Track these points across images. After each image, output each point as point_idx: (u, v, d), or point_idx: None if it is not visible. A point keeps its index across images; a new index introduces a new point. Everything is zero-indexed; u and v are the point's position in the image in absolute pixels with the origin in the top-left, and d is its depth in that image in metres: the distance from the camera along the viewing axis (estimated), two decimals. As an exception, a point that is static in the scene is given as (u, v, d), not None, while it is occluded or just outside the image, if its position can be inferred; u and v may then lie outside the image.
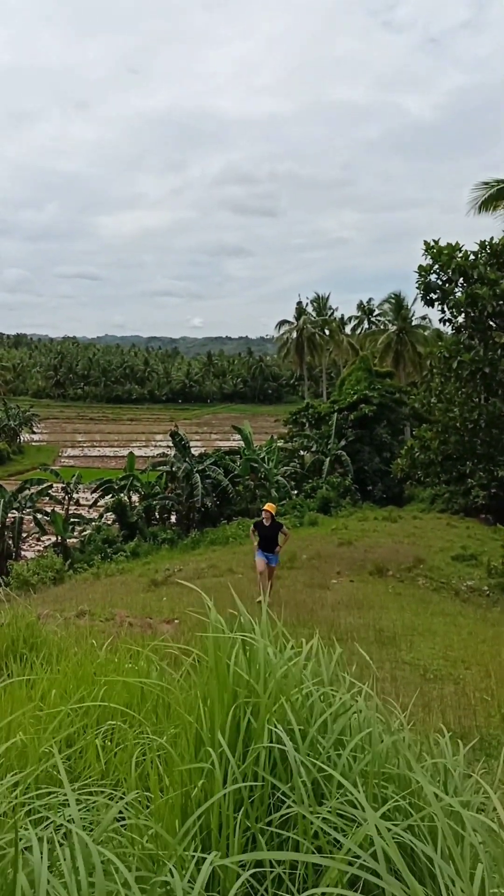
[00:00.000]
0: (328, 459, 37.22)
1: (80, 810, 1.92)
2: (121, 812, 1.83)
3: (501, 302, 14.83)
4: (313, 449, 39.36)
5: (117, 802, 1.77)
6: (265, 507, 12.55)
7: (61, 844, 1.65)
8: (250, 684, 2.11)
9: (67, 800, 1.89)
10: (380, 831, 1.52)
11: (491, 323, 15.65)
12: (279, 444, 40.58)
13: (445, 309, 15.74)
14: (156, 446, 75.89)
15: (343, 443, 37.77)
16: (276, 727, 1.96)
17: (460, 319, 15.86)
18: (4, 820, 1.77)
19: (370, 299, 71.75)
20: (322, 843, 1.70)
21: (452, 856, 1.66)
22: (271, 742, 1.91)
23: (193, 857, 1.60)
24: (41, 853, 1.41)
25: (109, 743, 2.45)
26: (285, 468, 38.37)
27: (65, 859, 1.47)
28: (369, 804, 1.67)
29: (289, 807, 1.79)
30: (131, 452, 43.53)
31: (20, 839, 1.56)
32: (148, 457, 56.23)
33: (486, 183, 21.60)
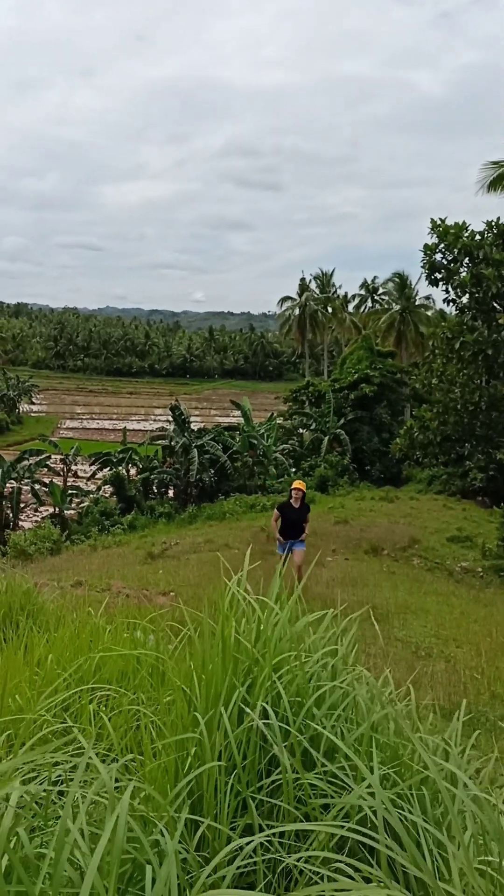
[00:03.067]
0: (327, 438, 37.23)
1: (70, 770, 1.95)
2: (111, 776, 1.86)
3: (506, 283, 14.74)
4: (312, 427, 39.35)
5: (111, 765, 1.80)
6: (295, 483, 10.79)
7: (54, 802, 1.68)
8: (251, 652, 2.13)
9: (57, 761, 1.92)
10: (375, 791, 1.55)
11: (495, 304, 15.56)
12: (278, 422, 40.54)
13: (450, 289, 15.64)
14: (155, 420, 75.80)
15: (342, 422, 37.74)
16: (268, 699, 1.98)
17: (464, 300, 15.77)
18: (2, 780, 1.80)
19: (374, 278, 70.93)
20: (308, 810, 1.73)
21: (445, 823, 1.70)
22: (266, 710, 1.94)
23: (182, 817, 1.63)
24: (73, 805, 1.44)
25: (105, 708, 2.48)
26: (284, 446, 38.40)
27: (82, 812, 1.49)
28: (361, 770, 1.70)
29: (279, 773, 1.82)
30: (125, 428, 43.50)
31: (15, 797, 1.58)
32: (146, 430, 56.19)
33: (496, 163, 21.30)
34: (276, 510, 10.63)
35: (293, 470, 36.25)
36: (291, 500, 10.48)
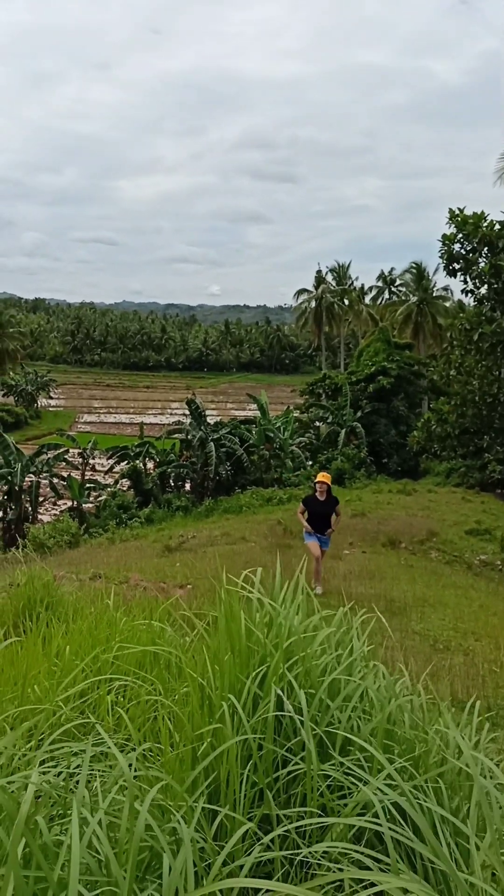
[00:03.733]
0: (344, 431, 37.09)
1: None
2: (132, 766, 1.87)
3: (526, 273, 14.56)
4: (329, 420, 39.23)
5: (129, 754, 1.81)
6: (319, 476, 10.47)
7: (72, 791, 1.70)
8: (264, 644, 2.13)
9: (76, 751, 1.93)
10: (392, 781, 1.54)
11: (514, 295, 15.38)
12: (295, 415, 40.47)
13: (468, 279, 15.49)
14: (171, 414, 75.95)
15: (359, 414, 37.58)
16: (282, 688, 1.98)
17: (483, 290, 15.60)
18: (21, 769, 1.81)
19: (391, 269, 70.51)
20: (325, 801, 1.73)
21: (463, 813, 1.68)
22: (281, 701, 1.94)
23: (199, 807, 1.63)
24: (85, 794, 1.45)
25: (122, 699, 2.50)
26: (300, 439, 38.34)
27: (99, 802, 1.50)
28: (376, 764, 1.69)
29: (296, 764, 1.82)
30: (142, 422, 43.74)
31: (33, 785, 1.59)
32: (163, 424, 56.39)
33: (514, 150, 21.04)
34: (301, 503, 10.58)
35: (310, 463, 36.18)
36: (316, 494, 10.30)
